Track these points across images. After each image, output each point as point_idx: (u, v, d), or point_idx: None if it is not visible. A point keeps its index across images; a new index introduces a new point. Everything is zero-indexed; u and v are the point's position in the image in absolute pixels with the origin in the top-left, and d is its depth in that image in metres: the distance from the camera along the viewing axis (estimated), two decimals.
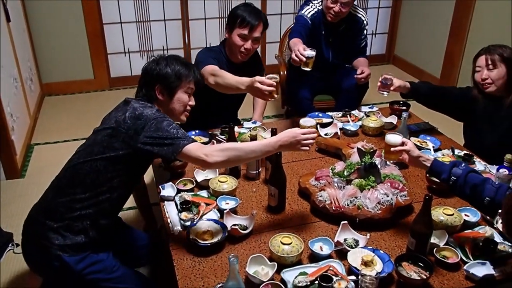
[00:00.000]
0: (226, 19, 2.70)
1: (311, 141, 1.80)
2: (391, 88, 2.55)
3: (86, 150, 1.81)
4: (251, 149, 1.77)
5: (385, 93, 2.56)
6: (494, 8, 4.06)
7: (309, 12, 3.09)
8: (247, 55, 2.67)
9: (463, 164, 1.82)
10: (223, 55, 2.70)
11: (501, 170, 2.00)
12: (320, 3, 3.12)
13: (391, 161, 2.05)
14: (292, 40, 2.85)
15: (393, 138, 1.95)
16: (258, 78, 2.20)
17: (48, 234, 1.75)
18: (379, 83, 2.58)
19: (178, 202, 1.97)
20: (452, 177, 1.79)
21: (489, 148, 2.42)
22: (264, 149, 1.77)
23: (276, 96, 2.23)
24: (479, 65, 2.42)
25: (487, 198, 1.68)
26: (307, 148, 1.80)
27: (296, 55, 2.56)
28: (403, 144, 1.91)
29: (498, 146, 2.34)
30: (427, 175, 2.04)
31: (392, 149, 1.93)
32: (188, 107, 2.02)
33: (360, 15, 3.22)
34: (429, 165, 1.86)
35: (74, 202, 1.76)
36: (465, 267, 1.67)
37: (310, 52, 2.53)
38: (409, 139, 2.43)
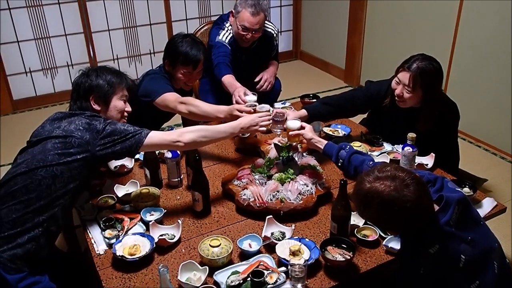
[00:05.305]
0: (164, 49, 2.59)
1: (267, 122, 2.13)
2: (284, 126, 2.21)
3: (36, 157, 1.74)
4: (217, 130, 2.01)
5: (278, 131, 2.24)
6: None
7: (226, 37, 2.98)
8: (191, 86, 2.70)
9: (348, 146, 1.94)
10: (169, 80, 2.58)
11: (406, 148, 2.14)
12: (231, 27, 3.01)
13: (294, 143, 2.17)
14: (224, 77, 2.76)
15: (292, 123, 2.14)
16: (236, 106, 2.29)
17: None
18: (271, 121, 2.22)
19: (100, 221, 1.92)
20: (340, 159, 1.91)
21: (394, 140, 2.49)
22: (229, 131, 2.03)
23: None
24: (401, 79, 2.26)
25: None
26: (264, 128, 2.14)
27: (237, 102, 2.51)
28: (301, 128, 2.10)
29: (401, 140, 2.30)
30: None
31: (290, 133, 2.12)
32: (125, 114, 2.05)
33: (270, 29, 3.13)
34: (322, 147, 1.99)
35: (28, 208, 1.69)
36: (384, 243, 1.79)
37: (252, 97, 2.50)
38: (322, 129, 2.55)
